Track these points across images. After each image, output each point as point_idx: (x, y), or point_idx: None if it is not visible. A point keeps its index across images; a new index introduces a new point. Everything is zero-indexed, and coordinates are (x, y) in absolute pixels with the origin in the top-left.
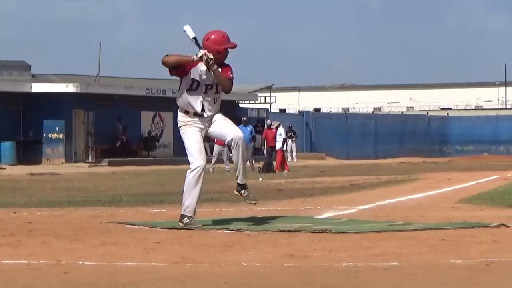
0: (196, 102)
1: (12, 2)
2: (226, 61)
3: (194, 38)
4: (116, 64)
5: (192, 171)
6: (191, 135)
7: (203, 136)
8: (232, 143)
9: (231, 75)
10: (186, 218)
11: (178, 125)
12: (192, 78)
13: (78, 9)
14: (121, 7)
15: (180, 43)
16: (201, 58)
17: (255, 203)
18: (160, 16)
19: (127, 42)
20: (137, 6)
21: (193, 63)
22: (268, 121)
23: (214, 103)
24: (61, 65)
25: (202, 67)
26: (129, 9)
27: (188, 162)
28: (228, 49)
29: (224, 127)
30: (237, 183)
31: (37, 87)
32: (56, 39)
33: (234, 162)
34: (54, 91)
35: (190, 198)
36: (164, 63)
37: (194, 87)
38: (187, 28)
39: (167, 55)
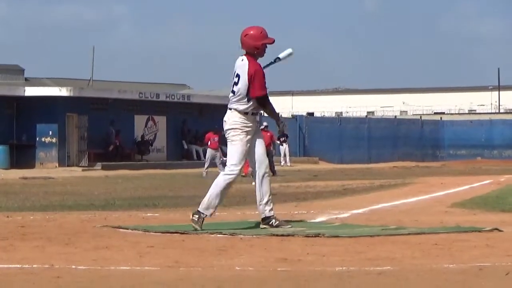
0: (253, 102)
1: (4, 6)
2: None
3: (278, 58)
4: (109, 68)
5: (227, 175)
6: (243, 143)
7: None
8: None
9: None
10: (198, 216)
11: (233, 126)
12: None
13: (72, 13)
14: (114, 11)
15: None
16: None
17: (290, 226)
18: (153, 20)
19: (121, 46)
20: (131, 10)
21: (260, 66)
22: (264, 123)
23: None
24: (55, 69)
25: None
26: (122, 13)
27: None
28: (267, 45)
29: (256, 155)
30: (265, 216)
31: (30, 91)
32: (49, 43)
33: (258, 195)
34: (48, 95)
35: (213, 199)
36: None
37: None
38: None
39: (267, 102)
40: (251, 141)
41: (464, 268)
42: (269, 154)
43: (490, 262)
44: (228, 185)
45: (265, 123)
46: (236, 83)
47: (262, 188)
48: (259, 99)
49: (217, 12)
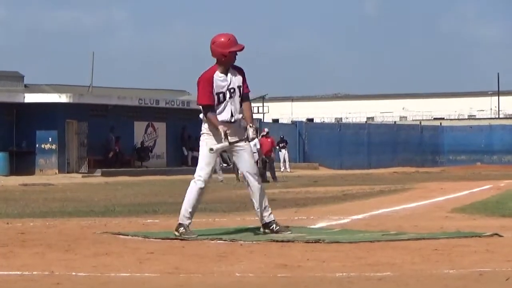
0: (224, 112)
1: (3, 12)
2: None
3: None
4: (109, 74)
5: (196, 180)
6: (208, 146)
7: (224, 148)
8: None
9: (248, 88)
10: (182, 228)
11: (202, 132)
12: (217, 93)
13: (71, 19)
14: (114, 16)
15: (174, 52)
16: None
17: (290, 232)
18: (153, 26)
19: (120, 52)
20: (130, 16)
21: (211, 78)
22: (265, 129)
23: (240, 107)
24: (54, 75)
25: (217, 76)
26: (122, 19)
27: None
28: (236, 52)
29: (244, 161)
30: (265, 222)
31: (30, 98)
32: (49, 49)
33: (255, 204)
34: (47, 101)
35: (189, 207)
36: (203, 109)
37: (221, 99)
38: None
39: (207, 115)
40: (232, 148)
41: (464, 273)
42: (269, 160)
43: (490, 268)
44: (201, 191)
45: (266, 129)
46: None
47: (256, 196)
48: (201, 108)
49: (217, 18)
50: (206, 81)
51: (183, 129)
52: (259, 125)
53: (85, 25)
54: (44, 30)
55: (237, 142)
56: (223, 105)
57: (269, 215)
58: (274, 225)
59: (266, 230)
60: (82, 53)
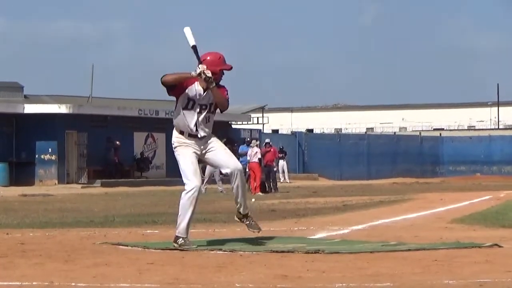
0: (191, 122)
1: (3, 23)
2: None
3: (194, 46)
4: (108, 85)
5: (187, 192)
6: (186, 156)
7: (198, 158)
8: (232, 177)
9: (227, 96)
10: (181, 239)
11: (173, 146)
12: (188, 97)
13: (70, 29)
14: (113, 27)
15: (174, 62)
16: (199, 75)
17: (258, 232)
18: (152, 37)
19: (120, 63)
20: (129, 27)
21: (191, 80)
22: (267, 140)
23: (207, 122)
24: (54, 86)
25: (198, 87)
26: (121, 30)
27: (182, 183)
28: (224, 71)
29: (224, 157)
30: (239, 212)
31: (30, 108)
32: (48, 60)
33: (235, 196)
34: (47, 112)
35: (184, 219)
36: (164, 83)
37: (189, 106)
38: (188, 31)
39: (165, 74)
40: (198, 152)
41: (464, 284)
42: (271, 171)
43: (490, 278)
44: (193, 201)
45: (267, 140)
46: None
47: (236, 192)
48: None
49: (216, 28)
50: (186, 78)
51: None
52: (259, 135)
53: (85, 35)
54: (43, 41)
55: (209, 80)
56: (190, 115)
57: (245, 210)
58: (246, 219)
59: (237, 219)
60: (82, 64)
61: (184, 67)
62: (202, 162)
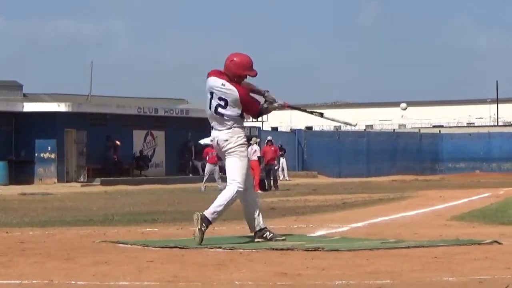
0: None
1: (2, 22)
2: None
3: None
4: (108, 83)
5: (235, 192)
6: (247, 160)
7: None
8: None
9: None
10: (268, 232)
11: (237, 143)
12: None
13: (70, 28)
14: (112, 26)
15: (173, 61)
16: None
17: (284, 239)
18: (151, 35)
19: (119, 61)
20: (129, 25)
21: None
22: (268, 137)
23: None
24: (53, 84)
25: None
26: (120, 28)
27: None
28: (248, 76)
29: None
30: (256, 231)
31: (29, 107)
32: (47, 58)
33: (245, 215)
34: (46, 110)
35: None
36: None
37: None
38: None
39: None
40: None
41: (464, 281)
42: (272, 169)
43: (490, 275)
44: (234, 201)
45: (269, 137)
46: (223, 106)
47: (247, 203)
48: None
49: (215, 27)
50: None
51: (187, 139)
52: (258, 133)
53: (84, 34)
54: (43, 40)
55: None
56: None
57: (262, 223)
58: (267, 233)
59: (258, 239)
60: (81, 62)
61: (183, 66)
62: (200, 158)
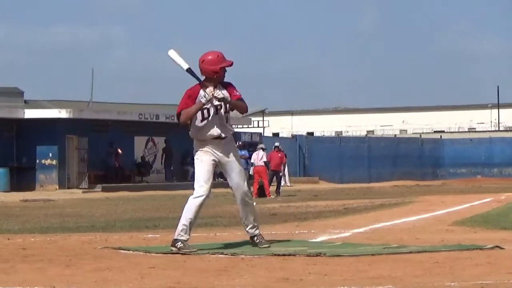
0: (213, 128)
1: (2, 28)
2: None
3: (189, 69)
4: (109, 90)
5: (195, 197)
6: (204, 162)
7: (215, 165)
8: (237, 200)
9: (238, 93)
10: (180, 242)
11: (194, 151)
12: (202, 108)
13: (70, 34)
14: (113, 32)
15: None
16: (211, 100)
17: (268, 247)
18: (152, 41)
19: (120, 67)
20: (129, 32)
21: (195, 92)
22: (276, 143)
23: (226, 122)
24: (54, 91)
25: (202, 92)
26: (121, 35)
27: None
28: (225, 68)
29: (235, 179)
30: (251, 236)
31: (30, 113)
32: (48, 65)
33: (242, 217)
34: (47, 117)
35: (186, 222)
36: (183, 124)
37: (206, 116)
38: (174, 54)
39: (179, 117)
40: (217, 158)
41: (466, 286)
42: (277, 175)
43: (491, 280)
44: (199, 207)
45: (276, 143)
46: None
47: (243, 210)
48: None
49: (216, 33)
50: (188, 96)
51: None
52: (259, 139)
53: (85, 41)
54: (43, 46)
55: (224, 100)
56: (207, 121)
57: (255, 230)
58: (256, 237)
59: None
60: (82, 69)
61: (184, 72)
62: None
